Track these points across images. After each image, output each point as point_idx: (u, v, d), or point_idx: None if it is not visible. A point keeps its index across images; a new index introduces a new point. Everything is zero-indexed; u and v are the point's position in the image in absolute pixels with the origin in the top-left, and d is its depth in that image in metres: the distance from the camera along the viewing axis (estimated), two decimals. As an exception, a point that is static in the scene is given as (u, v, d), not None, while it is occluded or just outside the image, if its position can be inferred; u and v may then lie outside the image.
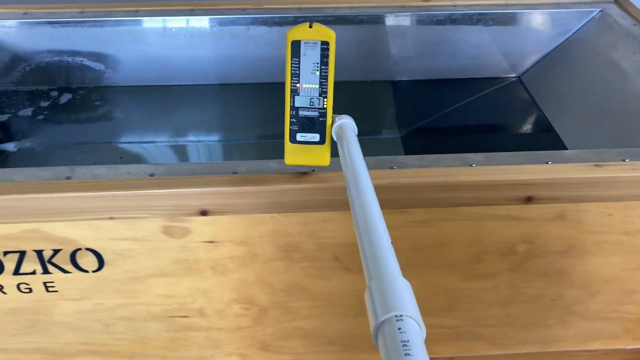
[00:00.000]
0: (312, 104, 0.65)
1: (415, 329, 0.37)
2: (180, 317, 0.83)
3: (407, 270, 0.80)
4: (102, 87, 1.10)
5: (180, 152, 1.07)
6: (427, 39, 1.10)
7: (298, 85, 0.64)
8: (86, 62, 1.07)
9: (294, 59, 0.63)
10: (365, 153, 1.18)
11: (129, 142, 1.10)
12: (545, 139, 1.04)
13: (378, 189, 0.70)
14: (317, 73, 0.63)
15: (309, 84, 0.64)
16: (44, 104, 1.10)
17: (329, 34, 0.62)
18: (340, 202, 0.72)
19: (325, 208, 0.73)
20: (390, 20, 1.08)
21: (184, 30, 1.05)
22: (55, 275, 0.76)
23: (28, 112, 1.10)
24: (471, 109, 1.16)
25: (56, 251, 0.74)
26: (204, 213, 0.70)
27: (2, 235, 0.72)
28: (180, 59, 1.08)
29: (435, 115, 1.18)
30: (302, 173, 0.70)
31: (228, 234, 0.74)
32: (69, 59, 1.07)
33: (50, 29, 1.03)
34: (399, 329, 0.37)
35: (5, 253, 0.73)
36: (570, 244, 0.78)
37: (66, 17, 1.03)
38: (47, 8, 1.04)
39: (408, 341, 0.36)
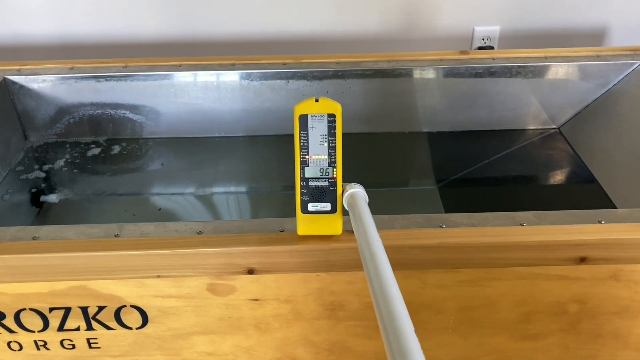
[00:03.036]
0: (322, 174, 0.66)
1: None
2: (221, 375, 0.82)
3: (456, 331, 0.79)
4: (143, 139, 1.12)
5: (222, 203, 1.07)
6: (465, 91, 1.10)
7: (307, 156, 0.65)
8: (128, 114, 1.09)
9: (302, 132, 0.65)
10: (403, 204, 1.18)
11: (169, 193, 1.10)
12: (589, 191, 1.02)
13: (427, 249, 0.70)
14: (325, 144, 0.65)
15: (317, 155, 0.65)
16: (86, 155, 1.11)
17: (335, 106, 0.64)
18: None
19: (372, 266, 0.72)
20: (428, 73, 1.08)
21: (225, 84, 1.07)
22: (98, 331, 0.76)
23: (70, 163, 1.12)
24: (510, 160, 1.15)
25: (101, 308, 0.73)
26: (250, 272, 0.69)
27: (49, 291, 0.72)
28: (221, 112, 1.09)
29: (473, 166, 1.17)
30: (351, 231, 0.69)
31: (273, 292, 0.73)
32: (112, 112, 1.09)
33: (95, 82, 1.06)
34: None
35: (51, 309, 0.73)
36: (625, 305, 0.76)
37: (111, 71, 1.05)
38: (93, 63, 1.07)
39: None
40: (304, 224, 0.68)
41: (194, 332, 0.77)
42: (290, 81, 1.06)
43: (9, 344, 0.76)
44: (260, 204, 1.07)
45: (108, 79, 1.05)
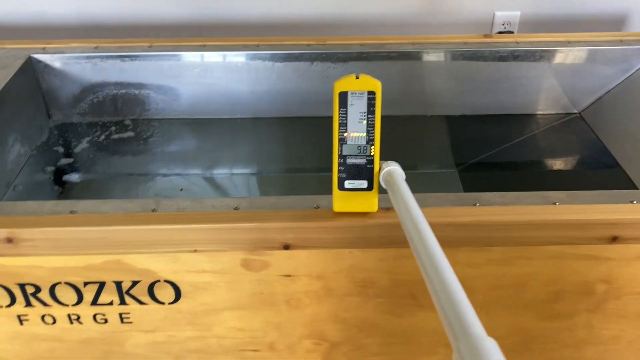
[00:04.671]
0: (359, 151, 0.66)
1: None
2: (250, 350, 0.83)
3: (483, 309, 0.80)
4: (166, 119, 1.12)
5: (245, 185, 1.08)
6: (488, 74, 1.10)
7: (345, 134, 0.66)
8: (152, 94, 1.09)
9: (341, 109, 0.65)
10: (424, 187, 1.18)
11: (192, 173, 1.11)
12: (612, 175, 1.02)
13: (461, 226, 0.70)
14: (364, 122, 0.65)
15: (356, 133, 0.66)
16: (109, 135, 1.12)
17: (375, 84, 0.64)
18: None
19: (404, 244, 0.73)
20: (452, 56, 1.08)
21: (249, 65, 1.07)
22: (131, 306, 0.77)
23: (92, 143, 1.12)
24: (531, 145, 1.15)
25: (135, 283, 0.74)
26: (286, 247, 0.70)
27: (85, 266, 0.72)
28: (245, 93, 1.09)
29: (494, 150, 1.18)
30: (387, 208, 0.70)
31: (305, 268, 0.74)
32: (136, 91, 1.09)
33: (120, 62, 1.06)
34: None
35: (86, 284, 0.74)
36: (652, 285, 0.77)
37: (136, 50, 1.05)
38: (118, 42, 1.07)
39: None
40: (340, 201, 0.69)
41: (226, 308, 0.78)
42: (315, 63, 1.06)
43: (43, 317, 0.77)
44: (286, 186, 1.08)
45: (133, 58, 1.05)
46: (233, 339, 0.81)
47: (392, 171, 0.65)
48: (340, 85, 0.64)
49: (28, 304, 0.76)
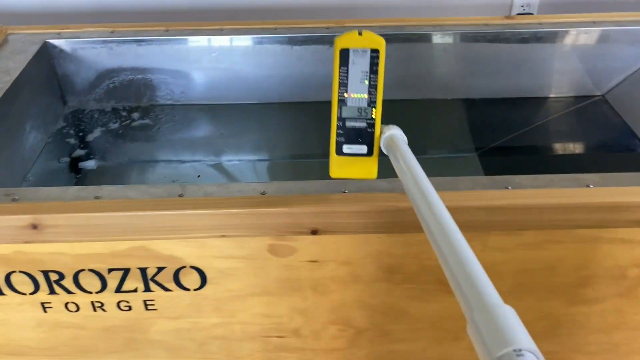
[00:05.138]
0: (360, 114, 0.62)
1: None
2: (275, 337, 0.82)
3: (511, 294, 0.78)
4: (183, 105, 1.11)
5: (266, 170, 1.07)
6: (510, 56, 1.08)
7: (346, 95, 0.61)
8: (169, 79, 1.08)
9: (342, 68, 0.60)
10: (444, 171, 1.16)
11: (209, 160, 1.10)
12: (638, 158, 1.01)
13: (494, 210, 0.69)
14: (366, 82, 0.61)
15: (357, 94, 0.61)
16: (125, 121, 1.10)
17: (379, 41, 0.60)
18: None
19: (433, 229, 0.71)
20: (473, 38, 1.06)
21: (267, 49, 1.05)
22: (156, 293, 0.76)
23: (108, 129, 1.11)
24: (554, 128, 1.13)
25: (160, 269, 0.73)
26: (314, 232, 0.69)
27: (109, 252, 0.71)
28: (263, 77, 1.08)
29: (515, 133, 1.16)
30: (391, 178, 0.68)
31: (332, 254, 0.73)
32: (152, 77, 1.08)
33: (136, 46, 1.04)
34: None
35: (110, 270, 0.73)
36: (685, 269, 0.75)
37: (152, 35, 1.04)
38: (134, 26, 1.05)
39: None
40: (338, 166, 0.65)
41: (251, 294, 0.77)
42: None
43: (66, 304, 0.77)
44: (308, 171, 1.06)
45: (149, 42, 1.04)
46: (258, 325, 0.80)
47: (394, 135, 0.62)
48: (341, 42, 0.60)
49: (52, 291, 0.75)
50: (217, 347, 0.83)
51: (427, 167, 1.13)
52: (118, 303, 0.77)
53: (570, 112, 1.13)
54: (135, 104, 1.10)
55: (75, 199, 0.69)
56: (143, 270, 0.73)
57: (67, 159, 1.09)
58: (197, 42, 1.04)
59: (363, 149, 0.64)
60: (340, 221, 0.68)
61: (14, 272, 0.72)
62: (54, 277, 0.73)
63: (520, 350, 0.35)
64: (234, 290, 0.76)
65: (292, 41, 1.05)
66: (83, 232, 0.69)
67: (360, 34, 0.60)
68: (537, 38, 1.06)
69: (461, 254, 0.43)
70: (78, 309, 0.77)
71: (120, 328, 0.80)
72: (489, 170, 1.15)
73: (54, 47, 1.03)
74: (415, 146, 1.17)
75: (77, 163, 1.12)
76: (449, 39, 1.06)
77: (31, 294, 0.75)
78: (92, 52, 1.05)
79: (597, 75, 1.11)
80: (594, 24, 1.06)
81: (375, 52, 0.60)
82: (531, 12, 1.28)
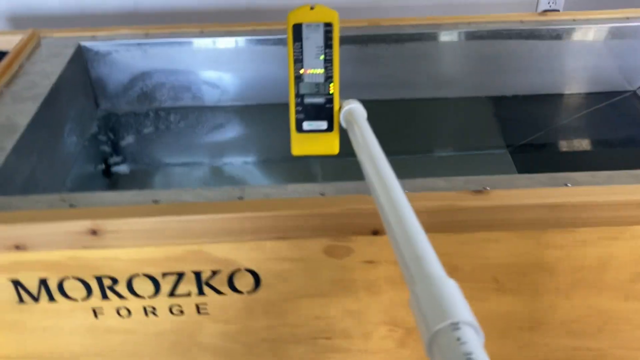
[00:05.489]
0: (317, 90, 0.62)
1: (475, 337, 0.34)
2: (324, 338, 0.82)
3: (562, 292, 0.78)
4: (216, 107, 1.10)
5: (305, 170, 1.06)
6: (541, 53, 1.08)
7: (302, 71, 0.61)
8: (202, 81, 1.07)
9: (296, 43, 0.60)
10: (477, 168, 1.17)
11: (243, 161, 1.09)
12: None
13: (553, 207, 0.69)
14: (322, 57, 0.60)
15: (313, 69, 0.61)
16: (158, 123, 1.10)
17: (331, 14, 0.59)
18: (507, 221, 0.70)
19: (488, 228, 0.71)
20: (505, 35, 1.06)
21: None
22: (209, 297, 0.75)
23: (141, 132, 1.11)
24: (585, 124, 1.14)
25: (215, 272, 0.73)
26: (375, 233, 0.69)
27: (164, 257, 0.71)
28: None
29: (546, 129, 1.16)
30: (477, 191, 0.68)
31: (388, 254, 0.73)
32: (186, 79, 1.07)
33: (169, 48, 1.04)
34: (458, 339, 0.33)
35: (164, 275, 0.73)
36: None
37: (187, 36, 1.03)
38: (168, 28, 1.05)
39: (472, 353, 0.32)
40: (299, 144, 0.65)
41: (304, 296, 0.76)
42: (370, 45, 1.04)
43: (118, 310, 0.76)
44: (350, 171, 1.06)
45: (183, 44, 1.03)
46: (307, 327, 0.80)
47: (353, 109, 0.61)
48: (293, 17, 0.59)
49: (104, 296, 0.74)
50: (266, 350, 0.83)
51: (460, 164, 1.14)
52: (170, 307, 0.76)
53: (602, 107, 1.13)
54: (168, 106, 1.10)
55: (133, 203, 0.68)
56: (197, 274, 0.73)
57: (100, 163, 1.08)
58: (231, 43, 1.04)
59: (323, 124, 0.64)
60: (400, 221, 0.68)
61: (67, 278, 0.72)
62: (107, 282, 0.73)
63: (458, 323, 0.34)
64: (287, 292, 0.76)
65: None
66: (140, 237, 0.68)
67: (312, 8, 0.59)
68: (570, 34, 1.06)
69: (408, 228, 0.43)
70: (130, 313, 0.77)
71: (170, 332, 0.79)
72: (522, 167, 1.15)
73: (88, 49, 1.03)
74: (448, 142, 1.18)
75: (109, 167, 1.12)
76: (484, 36, 1.06)
77: (83, 299, 0.74)
78: (125, 54, 1.04)
79: (629, 71, 1.11)
80: (627, 19, 1.06)
81: (328, 26, 0.59)
82: (557, 8, 1.28)
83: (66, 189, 0.93)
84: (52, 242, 0.67)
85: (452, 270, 0.74)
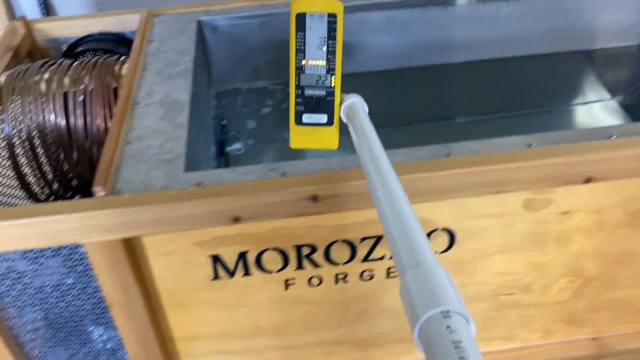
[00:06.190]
0: (319, 82, 0.60)
1: (465, 326, 0.33)
2: (504, 295, 0.82)
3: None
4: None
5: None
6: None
7: (303, 62, 0.59)
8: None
9: (298, 33, 0.58)
10: (587, 120, 1.17)
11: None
12: None
13: None
14: (324, 48, 0.58)
15: (315, 61, 0.59)
16: (274, 100, 1.08)
17: (336, 5, 0.57)
18: None
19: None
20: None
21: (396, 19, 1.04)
22: (400, 259, 0.74)
23: (257, 109, 1.09)
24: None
25: (412, 234, 0.72)
26: (588, 180, 0.68)
27: (365, 220, 0.70)
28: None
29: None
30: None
31: (585, 203, 0.72)
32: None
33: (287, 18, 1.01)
34: (448, 327, 0.33)
35: (363, 239, 0.72)
36: None
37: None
38: (284, -3, 1.02)
39: (460, 342, 0.32)
40: (298, 136, 0.62)
41: (495, 252, 0.76)
42: (487, 2, 1.03)
43: (309, 279, 0.75)
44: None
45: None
46: (491, 284, 0.80)
47: (354, 104, 0.60)
48: (297, 6, 0.57)
49: (299, 266, 0.73)
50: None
51: (569, 117, 1.13)
52: (362, 273, 0.75)
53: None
54: (286, 81, 1.07)
55: (344, 168, 0.67)
56: (394, 237, 0.72)
57: (216, 143, 1.06)
58: (352, 11, 1.02)
59: (323, 118, 0.61)
60: (617, 167, 0.67)
61: (267, 249, 0.71)
62: (306, 251, 0.72)
63: (448, 311, 0.33)
64: (479, 250, 0.75)
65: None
66: (354, 200, 0.67)
67: None
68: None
69: (402, 216, 0.42)
70: (320, 282, 0.76)
71: (356, 299, 0.79)
72: (633, 113, 1.16)
73: (205, 24, 1.00)
74: (559, 98, 1.18)
75: (224, 146, 1.10)
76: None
77: (278, 271, 0.73)
78: (241, 28, 1.01)
79: None
80: None
81: (332, 17, 0.57)
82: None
83: (211, 165, 0.91)
84: (268, 212, 0.65)
85: (643, 215, 0.74)
